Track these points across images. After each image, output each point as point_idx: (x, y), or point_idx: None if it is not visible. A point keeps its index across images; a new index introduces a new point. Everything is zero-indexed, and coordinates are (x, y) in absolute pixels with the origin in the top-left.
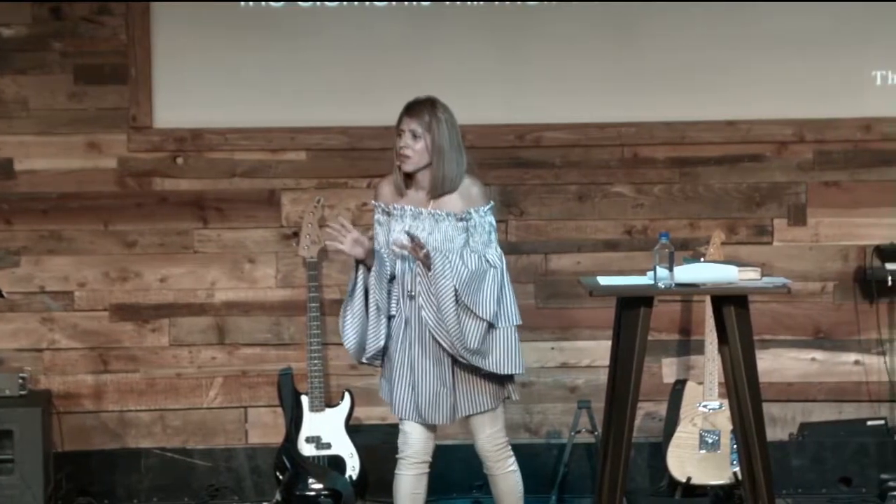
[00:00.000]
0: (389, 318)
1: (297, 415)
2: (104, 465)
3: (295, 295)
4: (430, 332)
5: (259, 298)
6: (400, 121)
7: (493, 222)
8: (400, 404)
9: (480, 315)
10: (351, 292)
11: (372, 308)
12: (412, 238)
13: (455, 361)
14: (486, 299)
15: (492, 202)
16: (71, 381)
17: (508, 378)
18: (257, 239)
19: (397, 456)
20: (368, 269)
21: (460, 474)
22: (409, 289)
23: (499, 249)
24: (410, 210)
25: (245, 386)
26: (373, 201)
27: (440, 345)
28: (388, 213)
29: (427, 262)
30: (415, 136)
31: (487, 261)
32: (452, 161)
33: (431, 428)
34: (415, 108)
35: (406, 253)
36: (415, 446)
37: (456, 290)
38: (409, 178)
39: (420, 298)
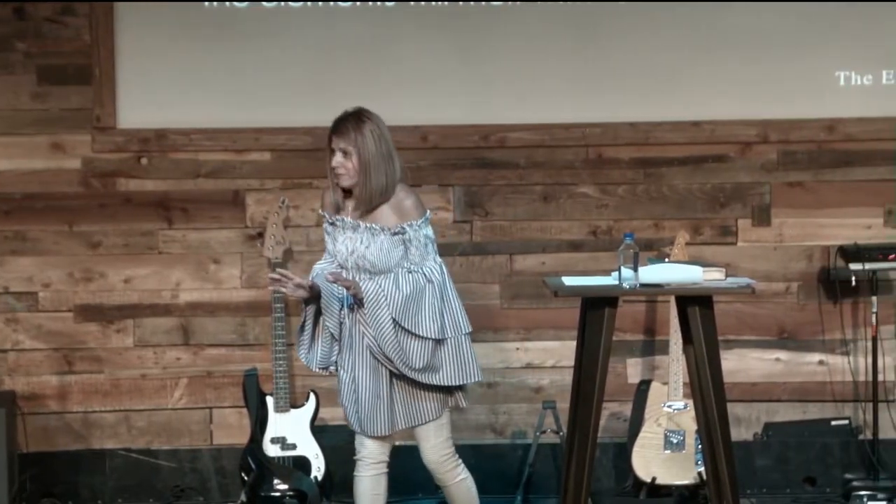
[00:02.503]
0: (340, 324)
1: (262, 415)
2: (69, 466)
3: (260, 295)
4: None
5: (224, 299)
6: (329, 139)
7: (430, 234)
8: (347, 413)
9: (423, 335)
10: (301, 328)
11: (326, 333)
12: (335, 280)
13: (393, 373)
14: (426, 319)
15: (428, 212)
16: (35, 382)
17: (457, 387)
18: (222, 239)
19: (355, 457)
20: (316, 300)
21: (425, 474)
22: (350, 303)
23: (437, 259)
24: (350, 222)
25: (210, 387)
26: (319, 211)
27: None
28: (333, 224)
29: (359, 296)
30: (345, 153)
31: (424, 274)
32: (381, 173)
33: None
34: (340, 127)
35: (349, 263)
36: (370, 447)
37: (394, 319)
38: (347, 190)
39: (361, 325)
